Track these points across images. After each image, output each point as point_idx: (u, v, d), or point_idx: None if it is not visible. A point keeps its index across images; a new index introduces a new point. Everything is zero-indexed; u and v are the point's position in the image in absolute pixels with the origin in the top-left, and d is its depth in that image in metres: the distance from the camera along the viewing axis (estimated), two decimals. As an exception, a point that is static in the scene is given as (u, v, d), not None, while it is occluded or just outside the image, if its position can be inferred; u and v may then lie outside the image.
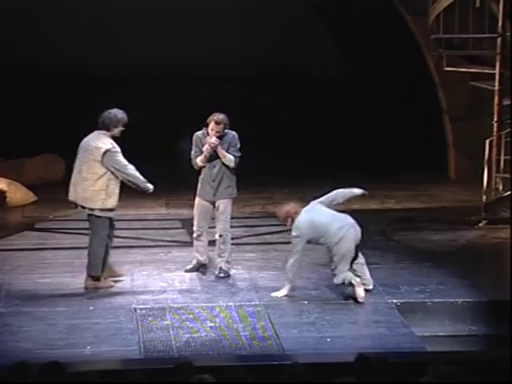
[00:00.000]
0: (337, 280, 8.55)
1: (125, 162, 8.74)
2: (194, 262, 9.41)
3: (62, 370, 6.12)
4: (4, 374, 6.18)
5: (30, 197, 12.65)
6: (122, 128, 8.82)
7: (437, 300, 8.63)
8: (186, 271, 9.36)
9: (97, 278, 8.84)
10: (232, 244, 9.65)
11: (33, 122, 15.34)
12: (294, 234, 8.66)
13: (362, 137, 15.51)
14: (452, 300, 8.62)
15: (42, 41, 15.65)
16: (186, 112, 15.24)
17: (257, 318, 8.17)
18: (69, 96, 15.82)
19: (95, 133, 8.82)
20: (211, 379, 5.90)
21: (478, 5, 11.71)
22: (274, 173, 14.12)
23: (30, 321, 8.09)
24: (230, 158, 9.10)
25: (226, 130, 9.15)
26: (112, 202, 8.76)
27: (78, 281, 9.05)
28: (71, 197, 8.92)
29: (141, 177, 8.83)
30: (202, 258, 9.31)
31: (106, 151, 8.66)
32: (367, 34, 15.49)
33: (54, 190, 13.22)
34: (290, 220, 8.70)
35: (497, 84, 11.55)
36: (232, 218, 9.53)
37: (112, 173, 8.69)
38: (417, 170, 14.04)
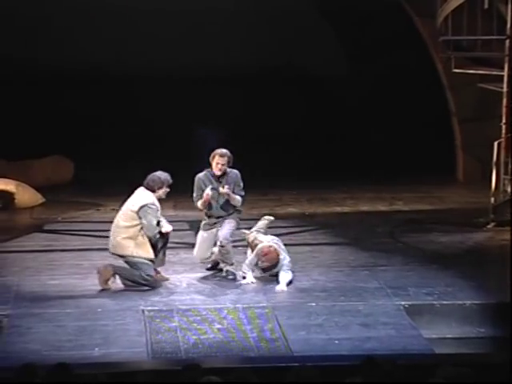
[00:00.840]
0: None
1: (154, 223, 8.89)
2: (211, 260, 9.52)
3: (70, 372, 6.14)
4: (11, 376, 6.20)
5: (38, 198, 12.67)
6: (167, 189, 9.03)
7: (445, 302, 8.62)
8: (208, 269, 9.42)
9: (108, 279, 8.89)
10: (239, 246, 9.67)
11: (41, 124, 15.37)
12: (287, 262, 9.14)
13: (369, 138, 15.50)
14: (460, 302, 8.61)
15: (51, 43, 15.69)
16: (193, 113, 15.28)
17: (265, 319, 8.17)
18: (77, 97, 15.85)
19: (142, 189, 9.01)
20: (219, 381, 5.91)
21: (486, 6, 11.69)
22: (281, 174, 14.12)
23: (38, 322, 8.11)
24: (238, 200, 9.25)
25: (229, 169, 9.21)
26: (144, 252, 8.87)
27: (87, 282, 9.07)
28: (109, 248, 9.05)
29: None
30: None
31: (144, 205, 8.86)
32: (374, 36, 15.49)
33: (62, 192, 13.27)
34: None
35: (505, 86, 11.52)
36: (239, 219, 9.54)
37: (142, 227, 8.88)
38: (425, 172, 14.03)
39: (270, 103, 16.16)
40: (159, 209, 8.99)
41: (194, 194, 9.27)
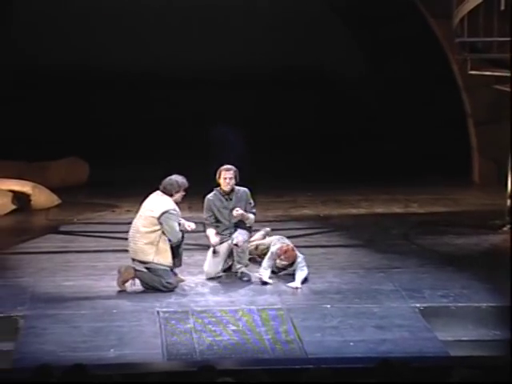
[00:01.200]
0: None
1: (177, 228, 8.90)
2: None
3: (86, 373, 6.16)
4: (27, 376, 6.23)
5: (54, 200, 12.71)
6: (184, 193, 9.03)
7: (460, 304, 8.60)
8: (223, 271, 9.41)
9: (126, 280, 8.94)
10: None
11: (57, 125, 15.43)
12: (301, 259, 9.24)
13: (384, 140, 15.48)
14: (475, 304, 8.59)
15: (66, 46, 15.75)
16: (207, 114, 15.30)
17: (279, 321, 8.17)
18: (93, 99, 15.90)
19: (159, 193, 9.00)
20: (233, 382, 5.91)
21: (502, 8, 11.64)
22: (295, 176, 14.13)
23: (53, 323, 8.14)
24: (252, 219, 9.30)
25: (237, 188, 9.23)
26: (164, 258, 8.87)
27: (102, 283, 9.10)
28: (130, 254, 9.03)
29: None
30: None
31: (166, 211, 8.84)
32: (390, 37, 15.47)
33: (77, 193, 13.32)
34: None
35: (521, 87, 11.47)
36: (254, 221, 9.55)
37: (163, 232, 8.86)
38: (440, 174, 14.00)
39: (285, 104, 16.16)
40: (180, 214, 8.99)
41: (205, 216, 9.32)
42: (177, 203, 9.00)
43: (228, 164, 9.27)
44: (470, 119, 14.15)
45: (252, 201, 9.34)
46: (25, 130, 15.06)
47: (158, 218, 8.84)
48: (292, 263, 9.19)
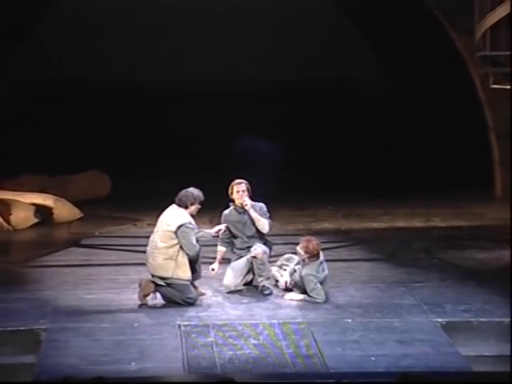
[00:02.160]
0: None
1: (194, 241, 8.91)
2: None
3: (107, 386, 6.17)
4: (50, 389, 6.26)
5: (76, 213, 12.79)
6: (199, 206, 9.02)
7: (482, 319, 8.55)
8: (244, 284, 9.43)
9: (147, 294, 8.97)
10: (275, 262, 9.68)
11: (79, 140, 15.53)
12: (313, 274, 8.94)
13: (406, 154, 15.47)
14: (497, 319, 8.53)
15: (90, 60, 15.86)
16: (231, 128, 15.35)
17: (301, 335, 8.16)
18: (114, 114, 16.00)
19: (174, 207, 9.02)
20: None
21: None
22: (316, 190, 14.13)
23: (75, 336, 8.16)
24: (264, 222, 9.23)
25: (254, 203, 9.23)
26: (183, 273, 8.88)
27: (123, 297, 9.12)
28: (149, 270, 9.05)
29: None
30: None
31: (182, 225, 8.85)
32: (412, 51, 15.48)
33: (99, 207, 13.39)
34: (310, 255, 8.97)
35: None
36: (275, 235, 9.54)
37: (181, 246, 8.89)
38: (462, 188, 13.96)
39: (308, 118, 16.19)
40: (195, 226, 9.00)
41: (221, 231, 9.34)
42: (192, 216, 9.02)
43: (239, 178, 9.29)
44: (492, 133, 14.11)
45: (268, 214, 9.33)
46: (47, 144, 15.16)
47: (175, 232, 8.86)
48: (309, 257, 8.96)
